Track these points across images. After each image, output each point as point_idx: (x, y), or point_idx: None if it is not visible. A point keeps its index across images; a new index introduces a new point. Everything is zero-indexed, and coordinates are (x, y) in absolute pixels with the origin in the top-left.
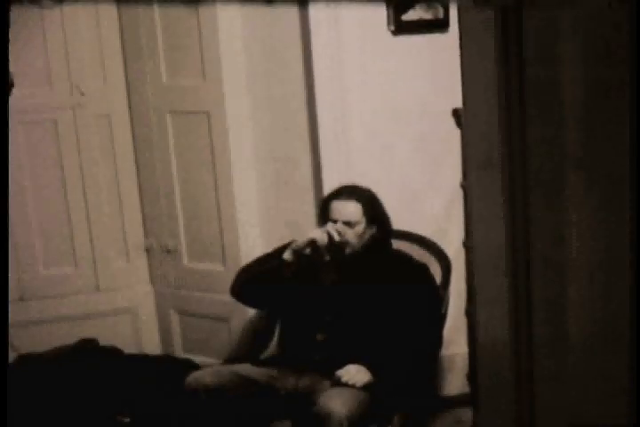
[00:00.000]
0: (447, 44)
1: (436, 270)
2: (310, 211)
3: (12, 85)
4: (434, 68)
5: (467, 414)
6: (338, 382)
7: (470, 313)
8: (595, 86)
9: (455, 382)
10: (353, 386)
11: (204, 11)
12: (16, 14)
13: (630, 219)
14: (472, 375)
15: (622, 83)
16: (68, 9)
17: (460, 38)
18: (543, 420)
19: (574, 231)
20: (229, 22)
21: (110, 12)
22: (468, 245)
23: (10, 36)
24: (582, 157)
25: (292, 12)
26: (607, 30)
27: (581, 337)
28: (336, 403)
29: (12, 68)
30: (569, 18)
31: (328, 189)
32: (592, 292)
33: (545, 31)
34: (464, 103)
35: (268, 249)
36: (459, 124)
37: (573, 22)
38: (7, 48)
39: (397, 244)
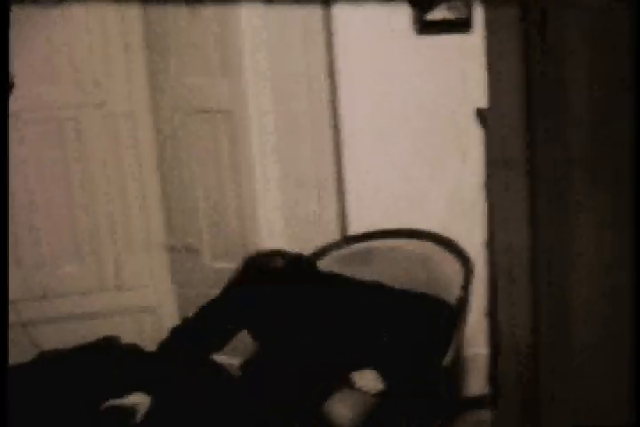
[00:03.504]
0: (465, 45)
1: (456, 270)
2: (332, 208)
3: (12, 85)
4: (451, 68)
5: (488, 415)
6: (351, 385)
7: (491, 314)
8: (603, 85)
9: (476, 383)
10: (366, 392)
11: (226, 9)
12: (38, 11)
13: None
14: (493, 376)
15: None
16: (93, 6)
17: (486, 38)
18: (552, 419)
19: (580, 232)
20: (252, 21)
21: (134, 10)
22: (491, 246)
23: (23, 33)
24: (588, 158)
25: (316, 10)
26: (609, 29)
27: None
28: (340, 406)
29: (29, 65)
30: (576, 19)
31: (349, 187)
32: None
33: (553, 32)
34: (489, 103)
35: (290, 247)
36: (483, 124)
37: (579, 22)
38: (7, 48)
39: (415, 244)
